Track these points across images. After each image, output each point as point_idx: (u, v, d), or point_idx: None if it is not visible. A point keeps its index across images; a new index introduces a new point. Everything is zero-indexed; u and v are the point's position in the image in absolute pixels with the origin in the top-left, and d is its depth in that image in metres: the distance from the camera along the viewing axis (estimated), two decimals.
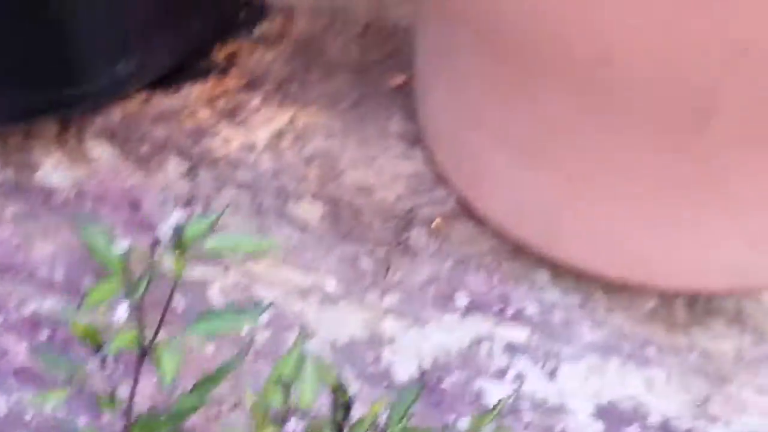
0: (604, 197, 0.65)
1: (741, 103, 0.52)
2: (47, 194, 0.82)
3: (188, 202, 0.81)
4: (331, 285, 0.76)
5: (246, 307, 0.68)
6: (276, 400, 0.52)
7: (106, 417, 0.66)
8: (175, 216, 0.79)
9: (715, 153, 0.57)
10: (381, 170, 0.81)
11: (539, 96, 0.62)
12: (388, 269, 0.77)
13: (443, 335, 0.74)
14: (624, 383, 0.72)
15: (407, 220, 0.78)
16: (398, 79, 0.85)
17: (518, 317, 0.74)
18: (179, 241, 0.57)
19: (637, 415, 0.71)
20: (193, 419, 0.55)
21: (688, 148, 0.57)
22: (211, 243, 0.62)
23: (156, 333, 0.52)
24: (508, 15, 0.57)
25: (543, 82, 0.61)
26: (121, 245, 0.75)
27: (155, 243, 0.58)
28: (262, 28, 0.90)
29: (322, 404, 0.51)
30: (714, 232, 0.64)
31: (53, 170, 0.83)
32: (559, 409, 0.71)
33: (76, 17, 0.77)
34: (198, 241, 0.59)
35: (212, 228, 0.61)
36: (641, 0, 0.50)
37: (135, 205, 0.81)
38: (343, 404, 0.51)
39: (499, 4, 0.57)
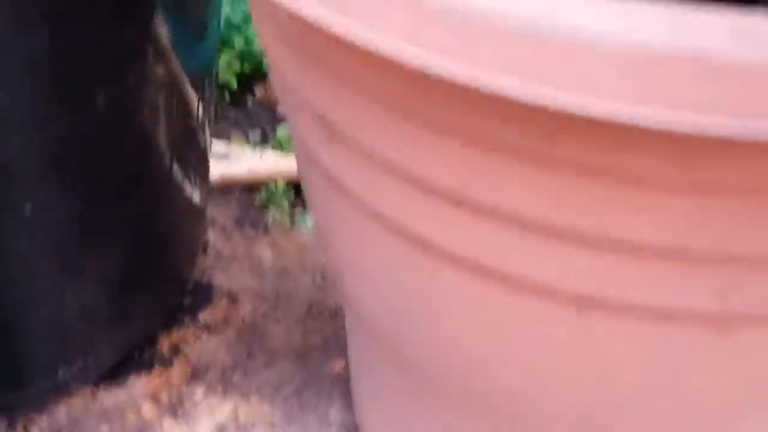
0: None
1: None
2: None
3: None
4: None
5: None
6: None
7: None
8: None
9: None
10: None
11: (453, 420, 0.63)
12: None
13: None
14: None
15: None
16: (338, 365, 0.86)
17: None
18: None
19: None
20: None
21: None
22: None
23: None
24: (411, 346, 0.58)
25: (452, 410, 0.62)
26: None
27: None
28: (207, 313, 0.92)
29: None
30: None
31: None
32: None
33: (14, 329, 0.78)
34: None
35: None
36: (539, 351, 0.52)
37: None
38: None
39: (400, 335, 0.58)
